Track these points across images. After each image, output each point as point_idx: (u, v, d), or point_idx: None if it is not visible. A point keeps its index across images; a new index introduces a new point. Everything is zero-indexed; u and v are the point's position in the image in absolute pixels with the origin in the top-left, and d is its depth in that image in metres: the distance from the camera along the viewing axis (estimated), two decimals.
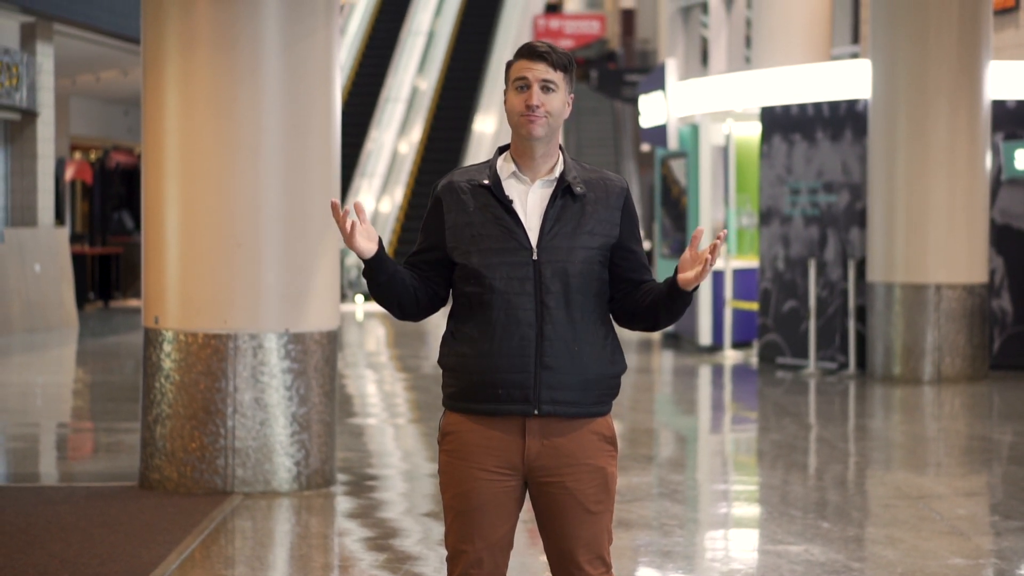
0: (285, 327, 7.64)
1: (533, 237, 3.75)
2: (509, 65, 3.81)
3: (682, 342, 16.51)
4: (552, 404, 3.74)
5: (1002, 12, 17.72)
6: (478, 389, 3.76)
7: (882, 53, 13.22)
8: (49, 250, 18.08)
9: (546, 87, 3.74)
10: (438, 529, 6.87)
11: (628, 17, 41.95)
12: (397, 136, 27.66)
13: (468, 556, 3.79)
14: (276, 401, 7.64)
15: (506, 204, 3.77)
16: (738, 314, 15.54)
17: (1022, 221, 13.85)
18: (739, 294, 15.47)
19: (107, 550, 6.35)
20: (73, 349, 16.66)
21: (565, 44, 36.23)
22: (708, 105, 15.77)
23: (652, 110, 17.02)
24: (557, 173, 3.81)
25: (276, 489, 7.64)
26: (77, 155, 25.58)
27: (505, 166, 3.83)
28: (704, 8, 22.69)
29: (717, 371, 14.36)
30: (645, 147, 29.93)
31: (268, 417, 7.62)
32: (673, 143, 16.33)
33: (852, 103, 13.82)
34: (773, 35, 18.40)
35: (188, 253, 7.64)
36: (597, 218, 3.79)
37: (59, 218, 21.37)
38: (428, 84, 28.90)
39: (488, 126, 27.30)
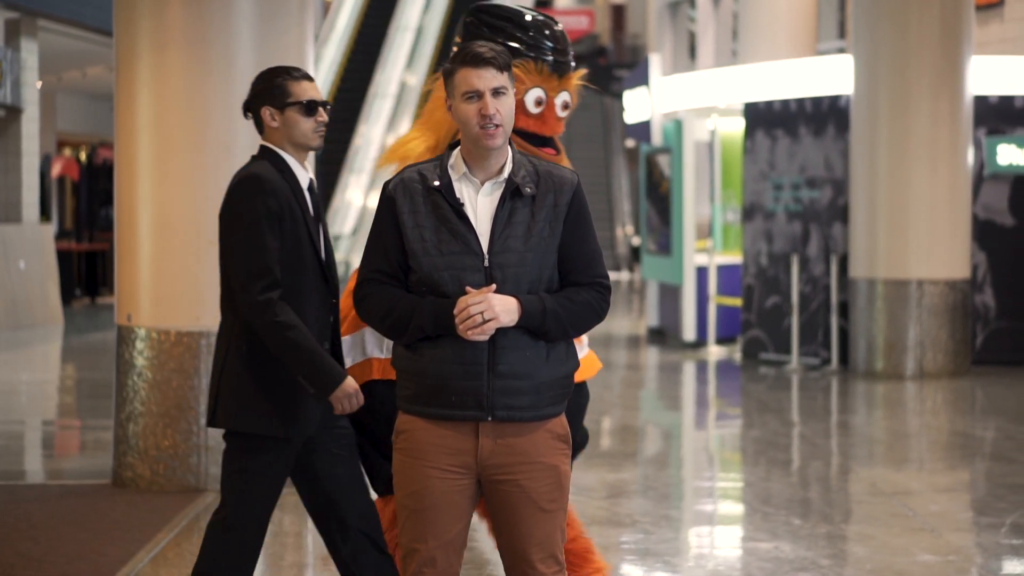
0: None
1: (484, 242, 3.69)
2: (450, 72, 3.73)
3: (666, 338, 16.51)
4: (506, 410, 3.71)
5: (987, 7, 17.71)
6: (431, 394, 3.72)
7: (864, 48, 13.20)
8: (34, 247, 18.04)
9: (497, 93, 3.71)
10: None
11: (618, 12, 41.96)
12: (385, 132, 27.62)
13: (421, 555, 3.77)
14: None
15: (457, 208, 3.71)
16: (722, 310, 15.53)
17: (1004, 216, 13.85)
18: (723, 290, 15.47)
19: (75, 548, 6.34)
20: (58, 346, 16.63)
21: None
22: (691, 101, 15.75)
23: (636, 106, 16.99)
24: (506, 173, 3.75)
25: None
26: (67, 151, 25.54)
27: (456, 165, 3.78)
28: (692, 3, 22.67)
29: (701, 367, 14.35)
30: (632, 142, 29.91)
31: None
32: (657, 139, 16.31)
33: (835, 98, 13.80)
34: (759, 30, 18.39)
35: (161, 251, 7.63)
36: (547, 218, 3.73)
37: (44, 215, 21.34)
38: (416, 80, 28.87)
39: None
